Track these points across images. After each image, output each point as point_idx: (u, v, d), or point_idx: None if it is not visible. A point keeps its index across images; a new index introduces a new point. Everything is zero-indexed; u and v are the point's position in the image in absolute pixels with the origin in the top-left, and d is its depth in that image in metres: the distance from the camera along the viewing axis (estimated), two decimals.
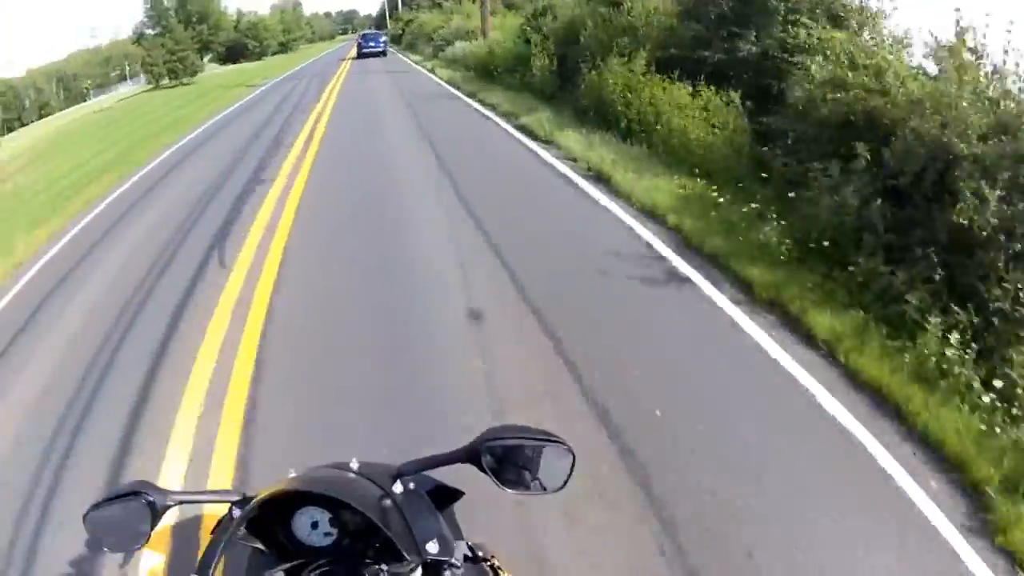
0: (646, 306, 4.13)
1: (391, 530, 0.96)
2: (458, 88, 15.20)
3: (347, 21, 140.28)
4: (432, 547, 0.98)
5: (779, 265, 4.28)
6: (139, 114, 22.88)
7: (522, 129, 9.54)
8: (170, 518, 1.59)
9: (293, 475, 1.11)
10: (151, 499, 1.04)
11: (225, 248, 6.03)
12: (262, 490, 1.04)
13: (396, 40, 45.39)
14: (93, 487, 2.92)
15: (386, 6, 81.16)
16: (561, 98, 10.87)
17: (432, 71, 20.51)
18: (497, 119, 10.63)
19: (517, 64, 13.96)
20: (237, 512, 1.03)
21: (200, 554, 0.99)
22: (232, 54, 53.14)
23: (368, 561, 1.04)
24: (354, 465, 1.10)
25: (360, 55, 31.74)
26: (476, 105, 12.41)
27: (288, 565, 1.06)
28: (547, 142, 8.59)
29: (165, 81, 35.92)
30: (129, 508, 1.05)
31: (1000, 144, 3.51)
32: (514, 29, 17.35)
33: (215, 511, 1.14)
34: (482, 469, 1.01)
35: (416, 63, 25.79)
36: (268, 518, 1.07)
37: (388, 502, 1.01)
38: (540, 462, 1.02)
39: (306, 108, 15.25)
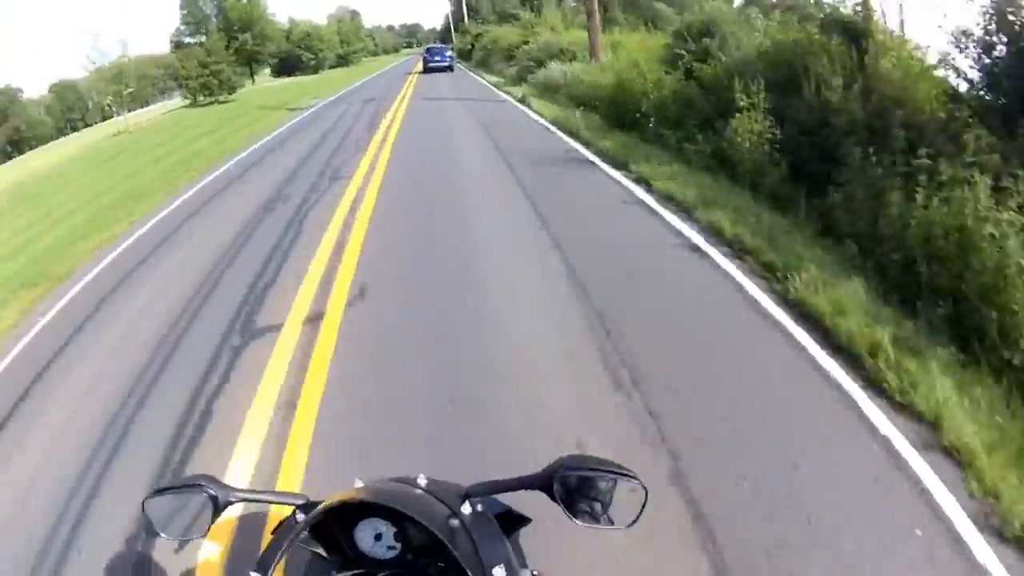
0: None
1: (458, 551, 0.94)
2: (581, 139, 9.74)
3: (411, 34, 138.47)
4: (499, 572, 0.96)
5: None
6: (147, 147, 18.40)
7: (807, 320, 3.86)
8: (233, 511, 1.20)
9: (360, 484, 1.09)
10: (214, 494, 1.07)
11: None
12: (328, 496, 1.04)
13: (464, 55, 41.18)
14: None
15: (450, 19, 78.09)
16: (805, 210, 5.49)
17: (524, 102, 15.19)
18: (717, 256, 4.92)
19: (685, 113, 8.50)
20: (301, 516, 1.05)
21: (261, 552, 1.02)
22: (285, 66, 49.29)
23: None
24: (422, 481, 1.09)
25: (426, 69, 30.66)
26: (641, 193, 6.67)
27: (349, 574, 1.07)
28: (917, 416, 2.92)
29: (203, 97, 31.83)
30: (191, 500, 1.09)
31: None
32: (644, 52, 11.98)
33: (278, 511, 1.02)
34: (553, 498, 1.01)
35: (496, 86, 20.61)
36: (331, 525, 1.08)
37: (456, 522, 1.00)
38: (612, 496, 1.02)
39: (341, 173, 9.78)
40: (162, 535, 1.12)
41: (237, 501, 1.10)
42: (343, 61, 61.41)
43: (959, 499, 2.41)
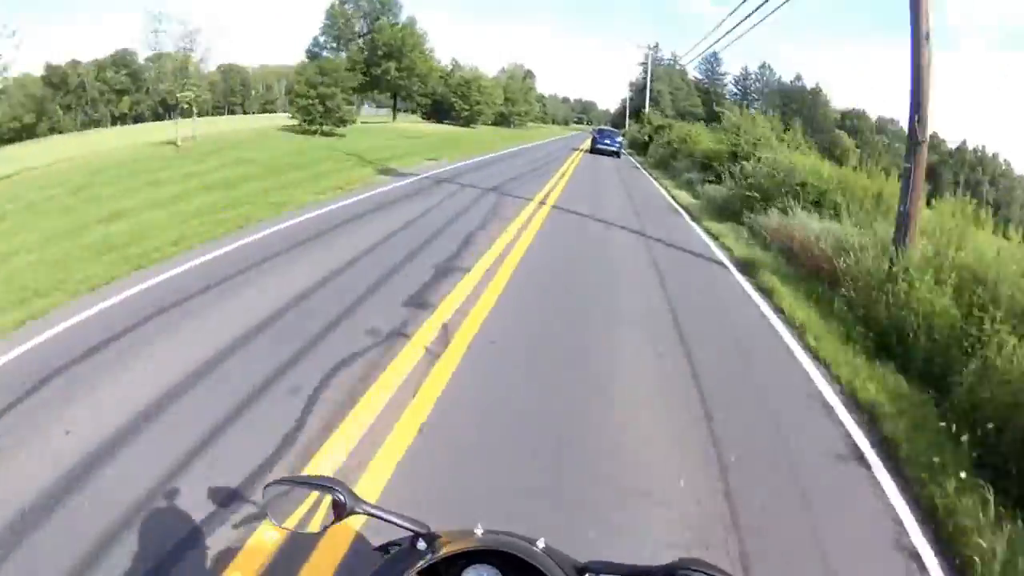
0: None
1: None
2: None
3: (584, 110, 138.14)
4: None
5: None
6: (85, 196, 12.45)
7: None
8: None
9: (480, 530, 1.10)
10: (342, 500, 1.10)
11: None
12: (447, 533, 1.09)
13: (638, 147, 35.65)
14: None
15: (627, 106, 73.49)
16: None
17: (749, 271, 8.28)
18: None
19: None
20: (423, 545, 1.07)
21: (373, 572, 1.08)
22: (436, 111, 45.76)
23: None
24: (540, 544, 1.10)
25: (594, 149, 30.75)
26: None
27: None
28: None
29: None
30: (316, 497, 1.13)
31: None
32: None
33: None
34: None
35: (688, 211, 14.03)
36: (440, 562, 1.07)
37: None
38: None
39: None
40: (272, 521, 1.14)
41: (362, 513, 1.11)
42: (503, 120, 57.21)
43: None
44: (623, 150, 31.62)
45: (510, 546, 1.04)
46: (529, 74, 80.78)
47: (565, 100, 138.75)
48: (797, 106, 69.59)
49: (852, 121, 77.09)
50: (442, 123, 43.47)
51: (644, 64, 75.27)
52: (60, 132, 54.26)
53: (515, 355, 4.77)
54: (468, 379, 4.19)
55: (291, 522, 1.15)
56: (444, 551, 1.01)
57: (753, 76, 75.66)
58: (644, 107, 55.82)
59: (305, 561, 2.42)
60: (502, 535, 1.09)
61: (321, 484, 1.12)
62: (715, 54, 69.22)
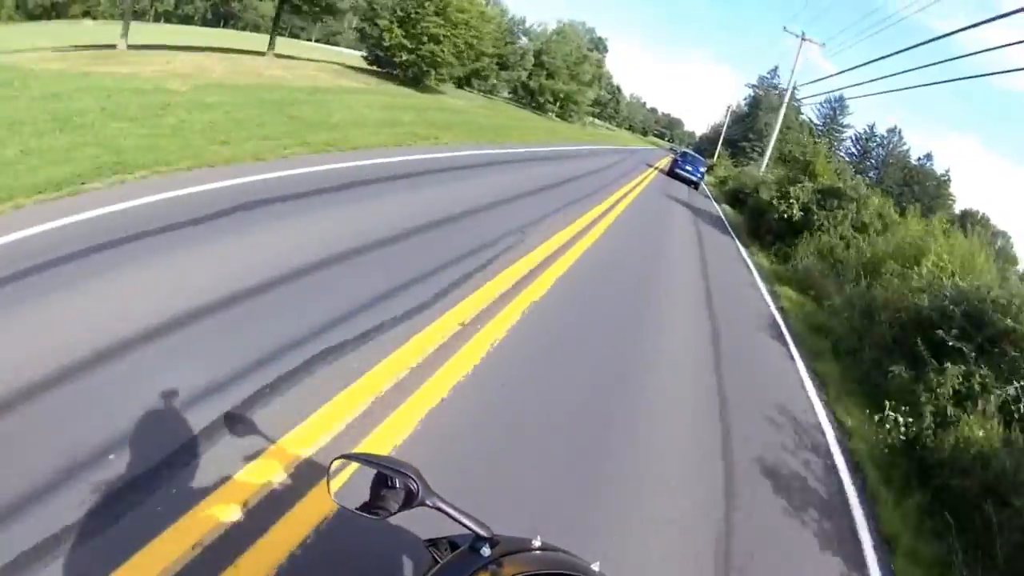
0: None
1: None
2: None
3: (669, 126, 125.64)
4: None
5: None
6: None
7: None
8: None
9: (538, 542, 1.13)
10: (415, 489, 1.08)
11: None
12: (506, 540, 1.10)
13: (728, 195, 25.73)
14: None
15: (722, 132, 62.10)
16: None
17: None
18: None
19: None
20: (487, 551, 1.07)
21: (431, 572, 1.08)
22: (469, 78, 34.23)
23: None
24: (595, 567, 1.13)
25: (672, 173, 26.33)
26: None
27: None
28: None
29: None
30: (387, 481, 1.11)
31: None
32: None
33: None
34: None
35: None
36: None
37: None
38: None
39: None
40: (333, 499, 1.16)
41: (431, 506, 1.09)
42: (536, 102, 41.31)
43: None
44: (703, 180, 27.53)
45: (573, 568, 1.09)
46: (599, 43, 54.10)
47: (652, 110, 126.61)
48: (919, 190, 54.78)
49: (969, 223, 64.27)
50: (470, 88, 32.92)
51: (756, 88, 62.58)
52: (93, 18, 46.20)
53: None
54: None
55: (350, 502, 1.13)
56: (508, 568, 1.04)
57: (878, 139, 61.48)
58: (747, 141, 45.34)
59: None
60: (561, 553, 1.16)
61: (395, 469, 1.10)
62: (842, 98, 56.08)
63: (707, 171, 32.08)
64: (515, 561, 1.04)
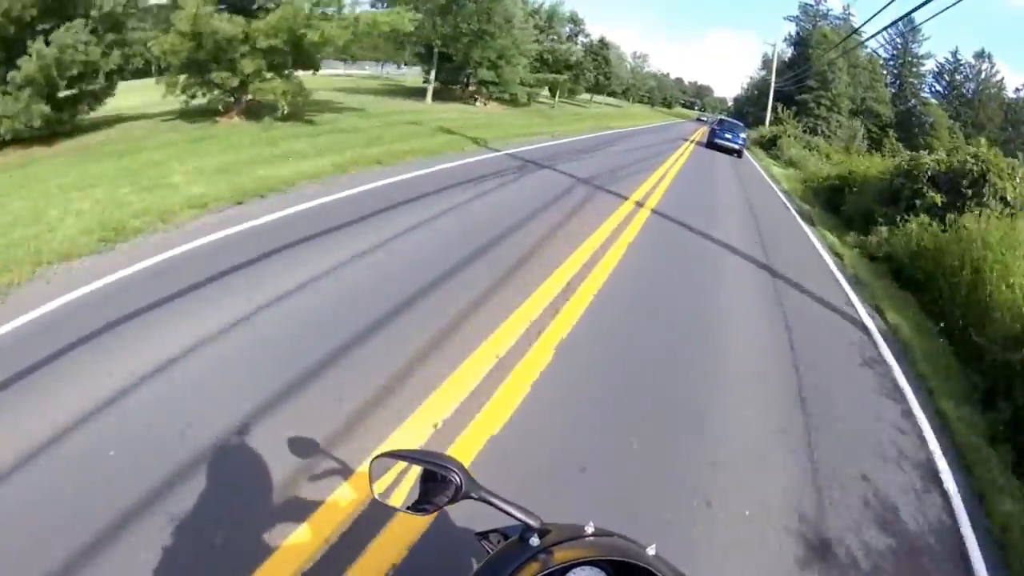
0: None
1: None
2: None
3: (698, 95, 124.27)
4: None
5: None
6: None
7: None
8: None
9: (591, 528, 1.10)
10: (459, 482, 1.06)
11: None
12: (557, 528, 1.07)
13: (826, 203, 13.86)
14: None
15: (771, 87, 41.08)
16: None
17: None
18: None
19: None
20: (535, 542, 1.04)
21: (480, 566, 1.05)
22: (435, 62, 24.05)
23: None
24: (651, 551, 1.08)
25: (710, 143, 25.29)
26: None
27: None
28: None
29: None
30: (430, 476, 1.09)
31: None
32: None
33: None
34: None
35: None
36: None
37: None
38: None
39: None
40: (376, 497, 1.13)
41: (478, 499, 1.08)
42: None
43: None
44: (746, 147, 26.21)
45: (626, 553, 1.04)
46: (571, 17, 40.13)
47: (678, 80, 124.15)
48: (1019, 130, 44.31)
49: None
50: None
51: (798, 22, 51.25)
52: None
53: None
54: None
55: (393, 498, 1.13)
56: (559, 556, 1.00)
57: (965, 68, 48.74)
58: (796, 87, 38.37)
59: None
60: (615, 537, 1.11)
61: (437, 463, 1.08)
62: (912, 21, 37.56)
63: (768, 147, 29.81)
64: (565, 548, 1.02)
